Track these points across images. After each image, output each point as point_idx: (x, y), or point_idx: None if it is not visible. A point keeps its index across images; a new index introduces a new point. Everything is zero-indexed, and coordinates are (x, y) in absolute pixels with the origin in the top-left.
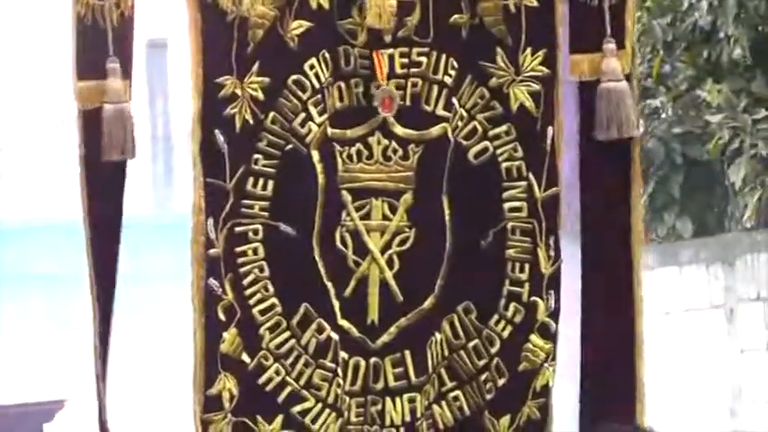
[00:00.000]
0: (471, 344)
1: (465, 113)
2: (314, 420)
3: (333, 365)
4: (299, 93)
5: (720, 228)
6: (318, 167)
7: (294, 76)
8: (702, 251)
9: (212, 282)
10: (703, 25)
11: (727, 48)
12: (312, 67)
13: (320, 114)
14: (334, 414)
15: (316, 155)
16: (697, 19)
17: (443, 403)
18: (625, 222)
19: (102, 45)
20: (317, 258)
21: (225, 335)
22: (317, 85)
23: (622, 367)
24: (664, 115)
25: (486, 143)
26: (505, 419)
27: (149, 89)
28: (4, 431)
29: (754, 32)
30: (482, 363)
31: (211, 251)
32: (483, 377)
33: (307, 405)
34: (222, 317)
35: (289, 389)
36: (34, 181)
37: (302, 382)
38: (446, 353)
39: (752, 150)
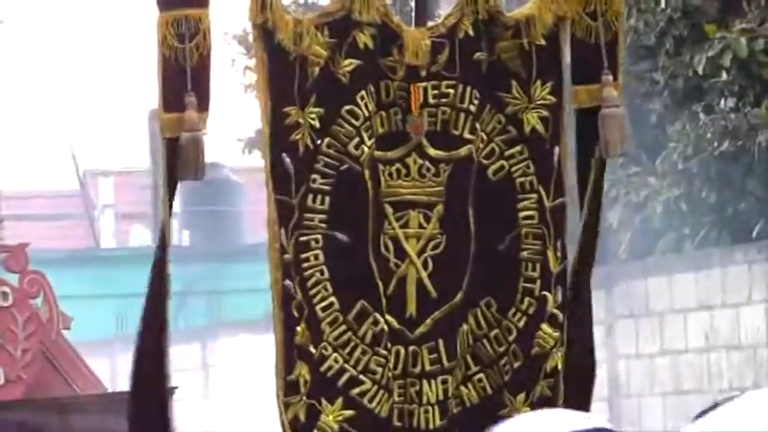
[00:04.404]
0: (492, 333)
1: (485, 137)
2: (371, 400)
3: (385, 352)
4: (353, 120)
5: (601, 260)
6: (369, 184)
7: (347, 107)
8: None
9: (287, 283)
10: None
11: None
12: (362, 98)
13: (369, 138)
14: (387, 394)
15: (367, 173)
16: None
17: (469, 385)
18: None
19: (183, 82)
20: (371, 261)
21: (297, 328)
22: (366, 114)
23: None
24: None
25: (503, 162)
26: (521, 396)
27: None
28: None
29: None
30: (501, 349)
31: (285, 256)
32: (502, 362)
33: (364, 387)
34: (295, 313)
35: (348, 374)
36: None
37: (360, 367)
38: (471, 341)
39: (625, 198)
